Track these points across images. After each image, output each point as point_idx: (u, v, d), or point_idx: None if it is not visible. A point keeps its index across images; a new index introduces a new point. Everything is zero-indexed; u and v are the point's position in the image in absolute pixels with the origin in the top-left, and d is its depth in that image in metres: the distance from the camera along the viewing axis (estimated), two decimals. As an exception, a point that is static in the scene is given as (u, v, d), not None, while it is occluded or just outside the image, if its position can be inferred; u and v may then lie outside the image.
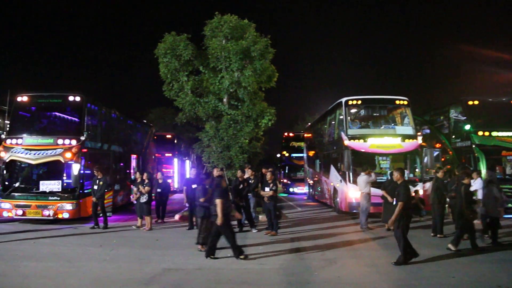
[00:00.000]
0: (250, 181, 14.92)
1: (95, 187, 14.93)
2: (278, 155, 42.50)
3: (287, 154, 35.56)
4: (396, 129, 18.17)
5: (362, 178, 14.84)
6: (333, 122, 20.68)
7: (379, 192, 12.98)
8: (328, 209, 20.39)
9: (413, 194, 16.43)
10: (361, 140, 17.30)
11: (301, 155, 32.51)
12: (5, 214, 15.53)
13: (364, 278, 8.66)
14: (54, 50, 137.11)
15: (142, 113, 51.79)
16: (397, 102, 18.53)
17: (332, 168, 19.81)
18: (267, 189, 13.49)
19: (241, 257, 9.96)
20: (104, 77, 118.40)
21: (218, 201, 9.83)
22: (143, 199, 14.55)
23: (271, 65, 18.74)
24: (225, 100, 18.44)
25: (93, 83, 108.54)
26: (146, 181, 14.72)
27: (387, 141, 17.42)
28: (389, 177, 14.61)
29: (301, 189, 31.23)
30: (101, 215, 15.07)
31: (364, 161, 16.54)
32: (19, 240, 12.60)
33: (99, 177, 15.01)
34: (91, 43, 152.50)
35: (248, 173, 15.37)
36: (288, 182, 33.71)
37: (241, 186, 14.36)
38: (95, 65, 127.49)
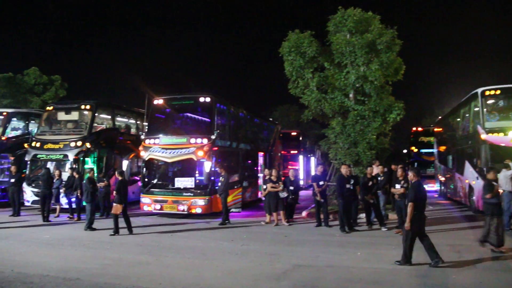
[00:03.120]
0: (379, 178, 14.52)
1: (219, 183, 15.54)
2: (405, 151, 40.89)
3: (415, 150, 34.04)
4: (544, 120, 16.40)
5: (503, 174, 13.68)
6: (467, 115, 19.34)
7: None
8: (463, 208, 19.12)
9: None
10: (501, 134, 15.89)
11: (431, 150, 30.92)
12: (145, 208, 16.80)
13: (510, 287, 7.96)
14: (182, 52, 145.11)
15: (267, 111, 52.89)
16: None
17: (467, 164, 18.52)
18: (397, 186, 12.98)
19: None
20: (230, 76, 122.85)
21: None
22: (282, 194, 14.98)
23: (398, 58, 18.02)
24: (351, 95, 18.09)
25: (219, 82, 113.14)
26: (273, 178, 15.08)
27: (532, 134, 15.82)
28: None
29: (432, 186, 29.70)
30: (231, 210, 15.61)
31: (504, 157, 15.23)
32: (158, 233, 13.59)
33: (221, 174, 15.58)
34: (219, 43, 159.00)
35: (377, 170, 14.96)
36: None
37: (370, 183, 14.03)
38: (221, 64, 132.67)
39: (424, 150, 32.99)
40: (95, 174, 17.21)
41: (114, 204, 13.03)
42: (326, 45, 18.40)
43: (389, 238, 12.19)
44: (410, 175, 9.73)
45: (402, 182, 12.86)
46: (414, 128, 35.06)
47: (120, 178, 13.39)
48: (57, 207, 16.97)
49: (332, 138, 18.25)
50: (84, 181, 15.44)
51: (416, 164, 33.27)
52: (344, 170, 13.93)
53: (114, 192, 13.22)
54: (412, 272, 8.66)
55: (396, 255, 9.42)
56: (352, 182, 13.85)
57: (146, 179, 17.22)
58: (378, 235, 12.99)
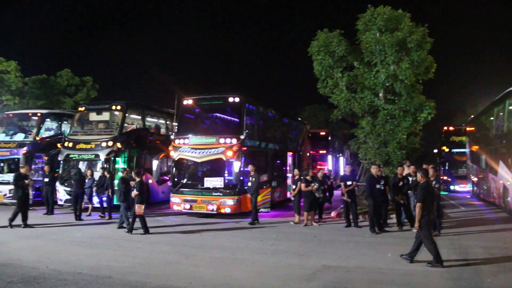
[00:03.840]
0: (410, 178, 14.31)
1: (249, 184, 15.54)
2: (435, 151, 40.23)
3: (447, 150, 33.44)
4: None
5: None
6: (501, 114, 18.86)
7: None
8: (496, 209, 18.69)
9: None
10: (537, 133, 15.49)
11: (462, 150, 30.35)
12: (175, 207, 16.92)
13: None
14: (210, 52, 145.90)
15: (296, 110, 52.75)
16: None
17: (502, 164, 18.07)
18: (429, 186, 12.76)
19: None
20: (259, 75, 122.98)
21: None
22: (318, 194, 15.12)
23: (429, 56, 17.76)
24: (381, 94, 17.93)
25: (248, 81, 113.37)
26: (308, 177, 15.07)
27: None
28: None
29: (463, 187, 29.26)
30: (260, 210, 15.62)
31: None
32: (188, 232, 13.69)
33: (252, 174, 15.57)
34: (247, 43, 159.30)
35: (408, 170, 14.74)
36: (449, 179, 31.72)
37: (401, 183, 13.83)
38: (249, 64, 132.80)
39: (456, 150, 32.42)
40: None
41: (137, 204, 13.12)
42: (355, 44, 18.30)
43: (421, 240, 11.98)
44: (419, 176, 9.96)
45: (434, 182, 12.63)
46: (445, 128, 34.44)
47: (137, 178, 13.48)
48: (89, 206, 17.25)
49: (361, 138, 18.12)
50: (117, 181, 15.62)
51: (447, 164, 32.75)
52: (374, 170, 13.80)
53: (135, 192, 13.28)
54: (444, 275, 8.48)
55: (428, 257, 9.27)
56: (382, 183, 13.71)
57: (175, 179, 17.35)
58: (408, 236, 12.69)
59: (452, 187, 30.83)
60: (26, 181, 14.15)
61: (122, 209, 14.06)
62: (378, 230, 13.24)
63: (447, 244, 11.03)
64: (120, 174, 15.89)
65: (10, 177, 20.24)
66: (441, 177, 32.51)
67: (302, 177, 15.48)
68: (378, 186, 13.52)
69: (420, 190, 9.43)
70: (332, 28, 18.22)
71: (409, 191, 14.01)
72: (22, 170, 14.65)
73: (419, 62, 17.00)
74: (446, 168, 32.89)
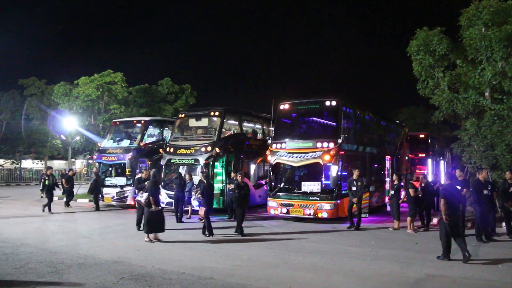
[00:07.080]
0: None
1: (353, 188, 15.18)
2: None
3: None
4: None
5: None
6: None
7: None
8: None
9: None
10: None
11: None
12: (272, 211, 17.02)
13: None
14: (308, 53, 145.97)
15: (392, 113, 51.25)
16: None
17: None
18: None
19: None
20: (354, 77, 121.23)
21: None
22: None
23: (543, 49, 16.52)
24: (487, 94, 16.97)
25: (343, 83, 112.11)
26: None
27: None
28: None
29: None
30: (362, 215, 15.33)
31: None
32: (286, 235, 13.75)
33: (356, 178, 15.22)
34: (344, 44, 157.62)
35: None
36: None
37: (511, 189, 12.87)
38: (345, 66, 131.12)
39: None
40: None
41: (201, 207, 13.31)
42: (457, 41, 17.53)
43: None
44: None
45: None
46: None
47: (204, 180, 13.59)
48: (189, 209, 17.81)
49: (465, 141, 17.22)
50: (217, 184, 15.83)
51: None
52: (482, 174, 12.95)
53: (200, 194, 13.48)
54: None
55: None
56: (489, 188, 12.84)
57: (272, 183, 17.45)
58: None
59: None
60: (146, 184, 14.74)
61: (238, 214, 14.03)
62: (485, 239, 12.41)
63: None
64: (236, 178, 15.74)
65: (117, 180, 21.75)
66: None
67: (410, 182, 14.93)
68: (485, 192, 12.68)
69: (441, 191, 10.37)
70: (431, 26, 17.60)
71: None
72: (143, 174, 15.36)
73: (532, 57, 15.90)
74: None
